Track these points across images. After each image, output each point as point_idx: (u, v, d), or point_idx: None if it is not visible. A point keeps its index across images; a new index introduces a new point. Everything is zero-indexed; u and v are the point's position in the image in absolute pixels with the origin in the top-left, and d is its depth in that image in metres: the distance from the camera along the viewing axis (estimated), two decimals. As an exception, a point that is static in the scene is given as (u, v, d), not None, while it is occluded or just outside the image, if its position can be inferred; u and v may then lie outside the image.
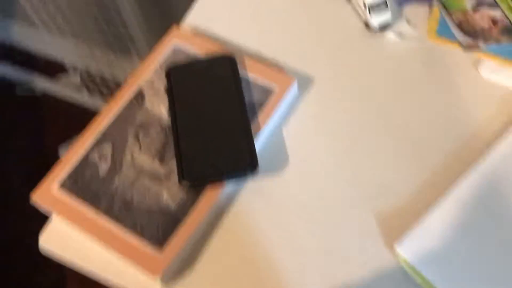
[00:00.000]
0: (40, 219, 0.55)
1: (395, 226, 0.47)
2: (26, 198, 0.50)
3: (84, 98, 1.66)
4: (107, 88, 1.54)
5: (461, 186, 0.47)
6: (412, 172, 0.49)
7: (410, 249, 0.44)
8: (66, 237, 0.50)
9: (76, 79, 1.65)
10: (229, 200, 0.50)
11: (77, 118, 1.66)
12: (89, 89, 1.61)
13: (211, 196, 0.48)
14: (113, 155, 0.51)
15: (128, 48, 1.42)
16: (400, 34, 0.57)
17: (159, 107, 0.54)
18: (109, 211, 0.48)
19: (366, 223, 0.47)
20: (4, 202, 1.55)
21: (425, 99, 0.53)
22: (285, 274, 0.46)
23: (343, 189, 0.49)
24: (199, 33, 0.61)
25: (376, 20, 0.57)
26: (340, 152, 0.51)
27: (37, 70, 1.78)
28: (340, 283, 0.45)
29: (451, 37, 0.56)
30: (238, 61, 0.56)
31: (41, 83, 1.75)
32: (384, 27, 0.58)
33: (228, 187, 0.50)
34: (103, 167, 0.51)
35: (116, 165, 0.51)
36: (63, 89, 1.72)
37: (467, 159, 0.49)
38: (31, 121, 1.71)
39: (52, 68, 1.77)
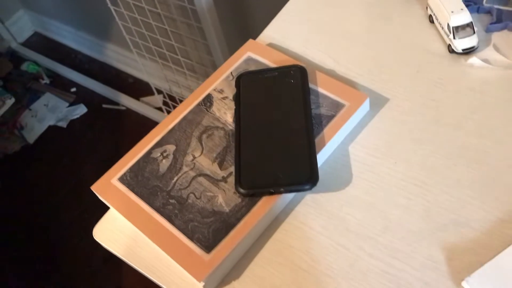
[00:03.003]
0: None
1: (466, 262, 0.42)
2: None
3: (163, 119, 1.72)
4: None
5: (545, 225, 0.42)
6: (490, 206, 0.45)
7: (479, 287, 0.39)
8: (118, 230, 0.50)
9: (158, 100, 1.72)
10: (285, 212, 0.48)
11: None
12: (169, 111, 1.67)
13: (266, 206, 0.46)
14: (175, 154, 0.51)
15: (210, 75, 1.46)
16: (486, 61, 0.54)
17: (225, 113, 0.54)
18: (163, 209, 0.47)
19: (434, 255, 0.43)
20: (79, 207, 1.63)
21: (511, 129, 0.49)
22: (335, 296, 0.42)
23: (412, 217, 0.45)
24: (273, 47, 0.60)
25: (460, 43, 0.53)
26: (411, 178, 0.48)
27: (124, 88, 1.89)
28: (396, 314, 0.41)
29: (544, 66, 0.51)
30: (309, 74, 0.54)
31: (126, 100, 1.85)
32: (468, 52, 0.54)
33: (284, 198, 0.48)
34: (164, 164, 0.51)
35: (176, 164, 0.50)
36: (145, 107, 1.80)
37: (555, 197, 0.44)
38: (112, 132, 1.80)
39: (138, 88, 1.86)
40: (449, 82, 0.53)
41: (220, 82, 0.56)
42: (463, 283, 0.40)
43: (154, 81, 1.62)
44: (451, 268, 0.42)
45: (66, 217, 1.62)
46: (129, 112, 1.82)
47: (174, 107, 1.62)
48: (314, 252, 0.45)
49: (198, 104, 0.55)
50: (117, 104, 1.86)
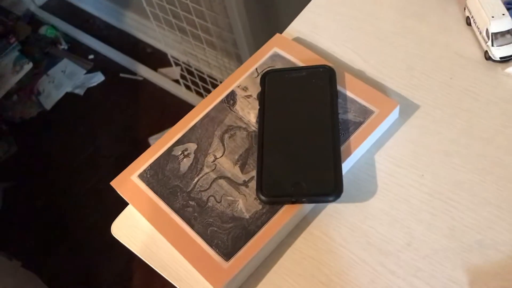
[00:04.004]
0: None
1: (491, 287, 0.41)
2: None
3: (180, 92, 1.71)
4: (203, 86, 1.57)
5: None
6: (517, 227, 0.43)
7: (503, 315, 0.39)
8: (136, 227, 0.50)
9: (176, 72, 1.70)
10: (306, 220, 0.47)
11: (171, 108, 1.72)
12: (186, 84, 1.66)
13: (287, 215, 0.45)
14: (196, 153, 0.50)
15: (230, 52, 1.44)
16: (525, 71, 0.51)
17: (248, 113, 0.52)
18: (183, 210, 0.47)
19: (457, 277, 0.42)
20: (94, 176, 1.64)
21: (545, 147, 0.47)
22: (353, 312, 0.42)
23: (436, 235, 0.44)
24: (301, 42, 0.58)
25: (498, 51, 0.51)
26: (437, 193, 0.46)
27: (142, 58, 1.87)
28: (414, 335, 0.40)
29: None
30: (338, 75, 0.52)
31: (144, 71, 1.83)
32: (506, 60, 0.52)
33: (306, 208, 0.47)
34: (185, 163, 0.50)
35: (197, 164, 0.49)
36: (162, 79, 1.78)
37: None
38: (129, 102, 1.79)
39: (156, 59, 1.84)
40: (483, 92, 0.51)
41: (245, 79, 0.55)
42: (486, 309, 0.39)
43: (172, 53, 1.60)
44: (474, 292, 0.41)
45: (80, 185, 1.64)
46: (146, 82, 1.81)
47: (192, 81, 1.60)
48: (334, 265, 0.44)
49: (221, 101, 0.53)
50: (134, 74, 1.84)
